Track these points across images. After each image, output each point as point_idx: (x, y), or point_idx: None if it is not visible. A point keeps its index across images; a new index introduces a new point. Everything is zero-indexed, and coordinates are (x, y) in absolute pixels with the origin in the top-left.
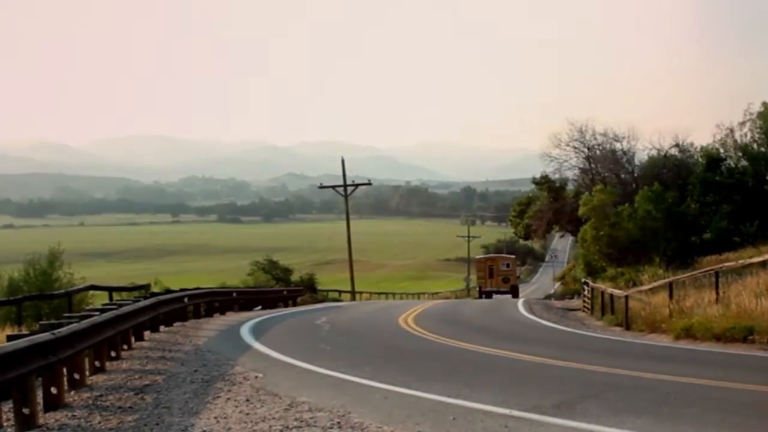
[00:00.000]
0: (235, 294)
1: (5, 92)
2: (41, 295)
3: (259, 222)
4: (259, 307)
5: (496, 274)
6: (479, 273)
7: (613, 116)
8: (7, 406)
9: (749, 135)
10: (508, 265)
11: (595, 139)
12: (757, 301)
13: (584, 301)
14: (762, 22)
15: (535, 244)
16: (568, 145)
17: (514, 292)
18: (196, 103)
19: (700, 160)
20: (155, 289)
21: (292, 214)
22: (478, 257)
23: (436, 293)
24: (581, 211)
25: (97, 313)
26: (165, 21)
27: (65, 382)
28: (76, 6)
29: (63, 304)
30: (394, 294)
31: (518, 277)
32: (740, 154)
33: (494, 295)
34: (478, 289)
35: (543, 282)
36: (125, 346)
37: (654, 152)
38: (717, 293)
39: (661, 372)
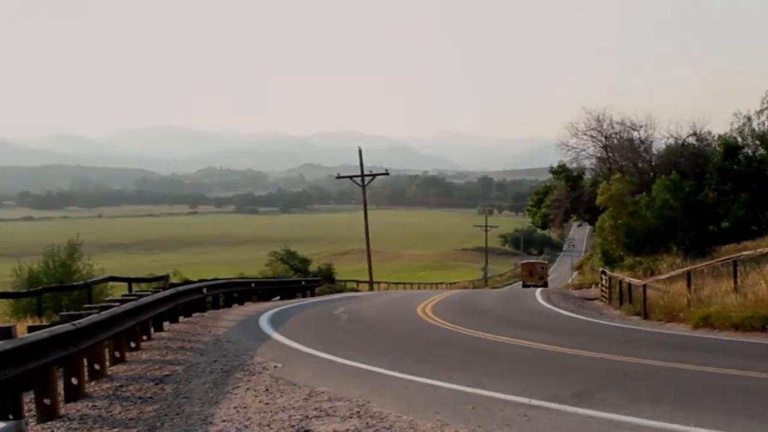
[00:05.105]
0: (253, 284)
1: (24, 85)
2: (61, 286)
3: (276, 212)
4: (278, 297)
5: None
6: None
7: (630, 105)
8: (29, 396)
9: (767, 123)
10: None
11: (613, 128)
12: None
13: (602, 291)
14: None
15: (553, 234)
16: (585, 134)
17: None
18: (214, 95)
19: (718, 148)
20: (174, 280)
21: (310, 205)
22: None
23: (454, 283)
24: (599, 200)
25: (117, 303)
26: (184, 14)
27: (86, 373)
28: None
29: (82, 295)
30: (411, 284)
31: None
32: (758, 142)
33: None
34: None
35: (561, 271)
36: (145, 337)
37: (671, 141)
38: (735, 282)
39: (679, 361)
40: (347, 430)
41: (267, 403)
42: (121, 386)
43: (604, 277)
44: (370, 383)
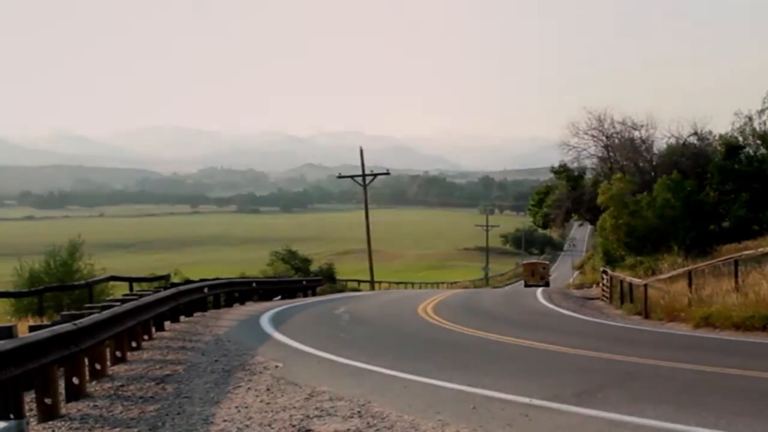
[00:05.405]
0: (254, 284)
1: (25, 85)
2: (62, 286)
3: (277, 212)
4: (279, 297)
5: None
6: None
7: (631, 104)
8: (30, 396)
9: None
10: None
11: (614, 127)
12: None
13: (603, 290)
14: None
15: (554, 233)
16: (586, 134)
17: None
18: (215, 95)
19: (719, 148)
20: (175, 280)
21: (311, 205)
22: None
23: (455, 282)
24: (600, 199)
25: (118, 303)
26: (184, 13)
27: (87, 372)
28: None
29: (83, 294)
30: (412, 283)
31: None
32: (759, 142)
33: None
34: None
35: (562, 271)
36: (146, 337)
37: (672, 140)
38: (736, 282)
39: (680, 360)
40: (348, 429)
41: (268, 403)
42: (122, 386)
43: (605, 276)
44: (371, 383)
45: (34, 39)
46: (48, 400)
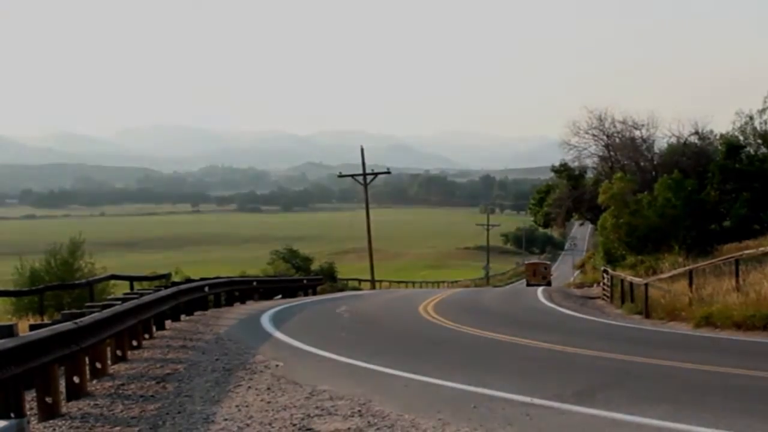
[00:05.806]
0: (255, 283)
1: (27, 83)
2: (63, 284)
3: (278, 211)
4: (279, 296)
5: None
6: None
7: (632, 103)
8: (30, 395)
9: None
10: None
11: (615, 126)
12: None
13: (604, 289)
14: None
15: (555, 232)
16: (587, 133)
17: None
18: (216, 93)
19: (720, 147)
20: (176, 279)
21: (312, 203)
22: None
23: (456, 282)
24: (601, 199)
25: (119, 302)
26: (184, 11)
27: (87, 371)
28: None
29: (84, 293)
30: (413, 282)
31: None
32: (760, 141)
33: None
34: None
35: (563, 270)
36: (146, 335)
37: (673, 140)
38: (737, 281)
39: (681, 360)
40: (349, 428)
41: (269, 402)
42: (123, 385)
43: (605, 275)
44: (372, 382)
45: (34, 38)
46: (49, 399)
